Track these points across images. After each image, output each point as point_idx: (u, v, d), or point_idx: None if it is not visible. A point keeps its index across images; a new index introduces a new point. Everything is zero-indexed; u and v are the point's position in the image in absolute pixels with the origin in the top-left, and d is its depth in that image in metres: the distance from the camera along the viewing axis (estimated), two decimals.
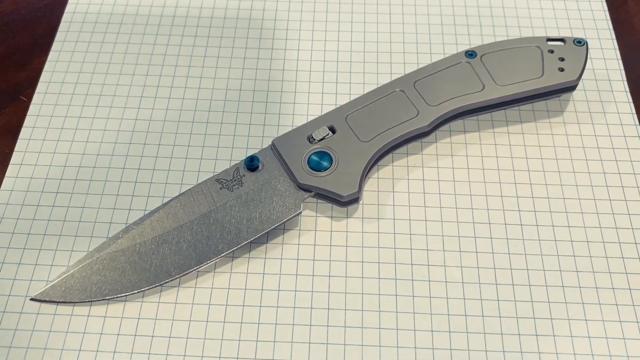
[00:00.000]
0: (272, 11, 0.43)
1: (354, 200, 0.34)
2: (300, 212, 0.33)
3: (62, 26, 0.42)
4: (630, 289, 0.32)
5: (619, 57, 0.40)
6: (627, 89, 0.39)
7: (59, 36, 0.42)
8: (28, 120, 0.38)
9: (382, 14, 0.43)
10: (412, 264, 0.33)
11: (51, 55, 0.41)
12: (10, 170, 0.36)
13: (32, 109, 0.38)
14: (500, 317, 0.31)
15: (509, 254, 0.33)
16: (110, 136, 0.37)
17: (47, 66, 0.40)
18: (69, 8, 0.43)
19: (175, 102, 0.39)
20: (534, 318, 0.31)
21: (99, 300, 0.31)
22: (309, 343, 0.31)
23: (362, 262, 0.33)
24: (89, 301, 0.31)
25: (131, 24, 0.42)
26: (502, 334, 0.31)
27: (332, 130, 0.35)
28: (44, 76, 0.40)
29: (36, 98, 0.39)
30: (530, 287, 0.32)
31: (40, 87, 0.39)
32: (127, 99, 0.39)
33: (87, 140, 0.37)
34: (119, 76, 0.40)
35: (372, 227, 0.34)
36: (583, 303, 0.32)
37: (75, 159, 0.36)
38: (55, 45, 0.41)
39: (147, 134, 0.37)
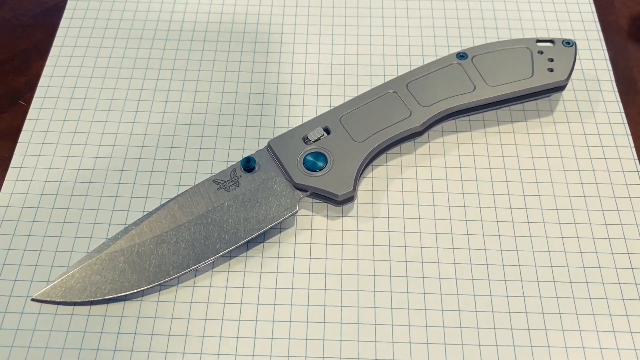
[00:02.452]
0: (267, 15, 0.43)
1: (349, 199, 0.34)
2: (296, 212, 0.34)
3: (60, 31, 0.43)
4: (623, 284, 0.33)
5: (607, 57, 0.41)
6: (616, 89, 0.40)
7: (57, 41, 0.42)
8: (27, 124, 0.38)
9: (375, 17, 0.43)
10: (406, 261, 0.33)
11: (49, 60, 0.41)
12: (10, 174, 0.36)
13: (31, 112, 0.39)
14: (493, 312, 0.32)
15: (500, 250, 0.34)
16: (109, 140, 0.38)
17: (46, 71, 0.41)
18: (66, 14, 0.44)
19: (173, 105, 0.39)
20: (526, 313, 0.32)
21: (99, 299, 0.32)
22: (306, 339, 0.31)
23: (358, 259, 0.33)
24: (89, 301, 0.32)
25: (128, 29, 0.43)
26: (494, 329, 0.31)
27: (327, 131, 0.35)
28: (43, 80, 0.40)
29: (35, 102, 0.39)
30: (522, 282, 0.33)
31: (39, 91, 0.40)
32: (124, 102, 0.39)
33: (85, 143, 0.38)
34: (117, 80, 0.40)
35: (367, 226, 0.35)
36: (573, 297, 0.32)
37: (74, 162, 0.37)
38: (53, 50, 0.42)
39: (144, 137, 0.38)
